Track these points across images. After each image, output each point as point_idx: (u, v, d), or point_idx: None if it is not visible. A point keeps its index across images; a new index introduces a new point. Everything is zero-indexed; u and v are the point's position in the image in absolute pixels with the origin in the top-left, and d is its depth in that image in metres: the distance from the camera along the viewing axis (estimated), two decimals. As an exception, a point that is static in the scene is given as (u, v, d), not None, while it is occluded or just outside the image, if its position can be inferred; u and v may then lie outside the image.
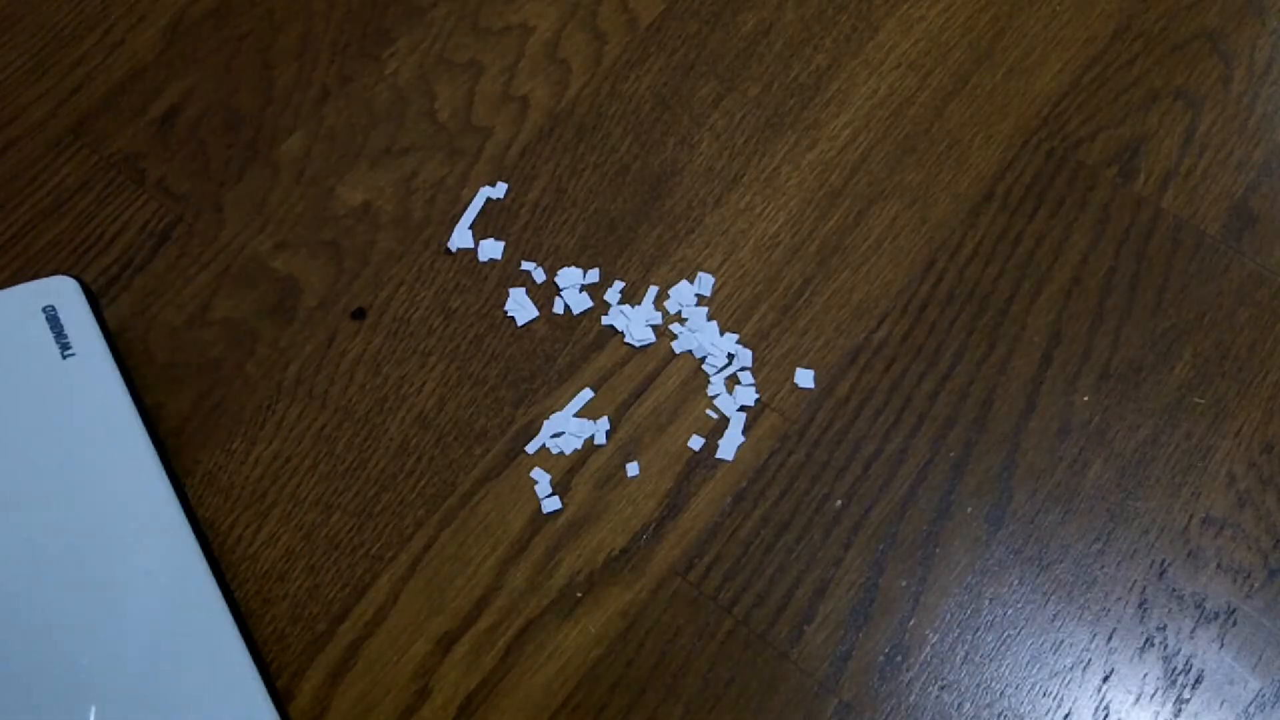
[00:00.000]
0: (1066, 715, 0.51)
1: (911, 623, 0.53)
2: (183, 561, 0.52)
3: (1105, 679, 0.52)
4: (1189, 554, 0.54)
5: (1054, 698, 0.52)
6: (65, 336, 0.55)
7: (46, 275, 0.58)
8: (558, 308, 0.60)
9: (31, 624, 0.50)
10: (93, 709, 0.48)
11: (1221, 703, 0.52)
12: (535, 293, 0.60)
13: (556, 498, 0.55)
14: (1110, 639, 0.53)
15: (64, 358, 0.55)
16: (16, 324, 0.56)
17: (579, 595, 0.53)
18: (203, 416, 0.57)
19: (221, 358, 0.59)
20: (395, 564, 0.54)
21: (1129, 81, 0.66)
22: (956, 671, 0.52)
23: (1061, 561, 0.54)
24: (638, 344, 0.59)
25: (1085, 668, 0.52)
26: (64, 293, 0.57)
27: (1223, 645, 0.53)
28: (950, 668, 0.52)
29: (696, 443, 0.56)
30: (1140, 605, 0.53)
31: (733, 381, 0.58)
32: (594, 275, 0.60)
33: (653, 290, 0.60)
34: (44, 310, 0.56)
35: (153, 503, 0.53)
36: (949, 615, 0.53)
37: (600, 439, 0.57)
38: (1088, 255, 0.61)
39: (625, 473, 0.56)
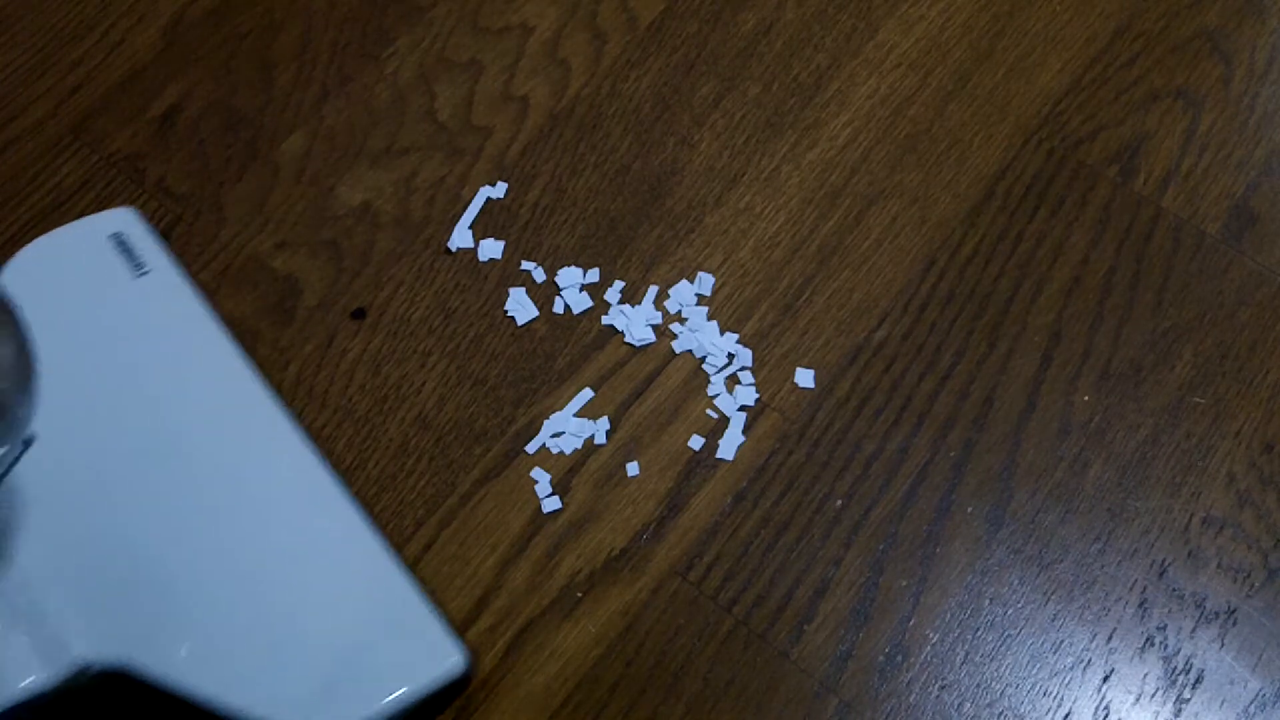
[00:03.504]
0: (1067, 715, 0.51)
1: (911, 623, 0.53)
2: (290, 452, 0.53)
3: (1105, 679, 0.52)
4: (1189, 554, 0.54)
5: (1054, 697, 0.52)
6: (136, 258, 0.57)
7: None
8: (558, 307, 0.60)
9: (146, 529, 0.50)
10: (211, 613, 0.49)
11: (1222, 702, 0.52)
12: (535, 292, 0.60)
13: (556, 498, 0.55)
14: (1110, 639, 0.53)
15: (137, 277, 0.57)
16: (87, 253, 0.57)
17: (579, 595, 0.53)
18: (203, 416, 0.57)
19: (221, 357, 0.59)
20: (395, 564, 0.54)
21: (1129, 81, 0.65)
22: (956, 671, 0.52)
23: (1061, 561, 0.54)
24: (638, 344, 0.59)
25: (1085, 667, 0.52)
26: (127, 221, 0.59)
27: (1223, 645, 0.53)
28: (950, 668, 0.52)
29: (696, 442, 0.56)
30: (1140, 605, 0.53)
31: (733, 381, 0.58)
32: (594, 275, 0.60)
33: (653, 290, 0.60)
34: (111, 237, 0.58)
35: (244, 392, 0.54)
36: (949, 615, 0.53)
37: (600, 439, 0.57)
38: (1088, 255, 0.61)
39: (625, 472, 0.56)
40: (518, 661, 0.52)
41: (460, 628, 0.53)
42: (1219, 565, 0.54)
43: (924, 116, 0.65)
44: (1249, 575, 0.54)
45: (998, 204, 0.62)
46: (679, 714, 0.51)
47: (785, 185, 0.63)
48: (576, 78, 0.66)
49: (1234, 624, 0.53)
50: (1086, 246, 0.61)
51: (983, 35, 0.67)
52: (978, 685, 0.52)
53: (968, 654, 0.52)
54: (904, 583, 0.54)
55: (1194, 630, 0.53)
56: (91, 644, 0.46)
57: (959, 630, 0.53)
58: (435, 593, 0.53)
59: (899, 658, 0.52)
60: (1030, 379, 0.58)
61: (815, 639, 0.53)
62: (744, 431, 0.57)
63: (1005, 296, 0.60)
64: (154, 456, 0.52)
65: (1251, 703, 0.52)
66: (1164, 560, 0.54)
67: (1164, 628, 0.53)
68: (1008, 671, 0.52)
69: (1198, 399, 0.58)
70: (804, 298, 0.60)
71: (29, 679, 0.45)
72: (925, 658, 0.52)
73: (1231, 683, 0.52)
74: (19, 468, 0.45)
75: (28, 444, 0.45)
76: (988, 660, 0.52)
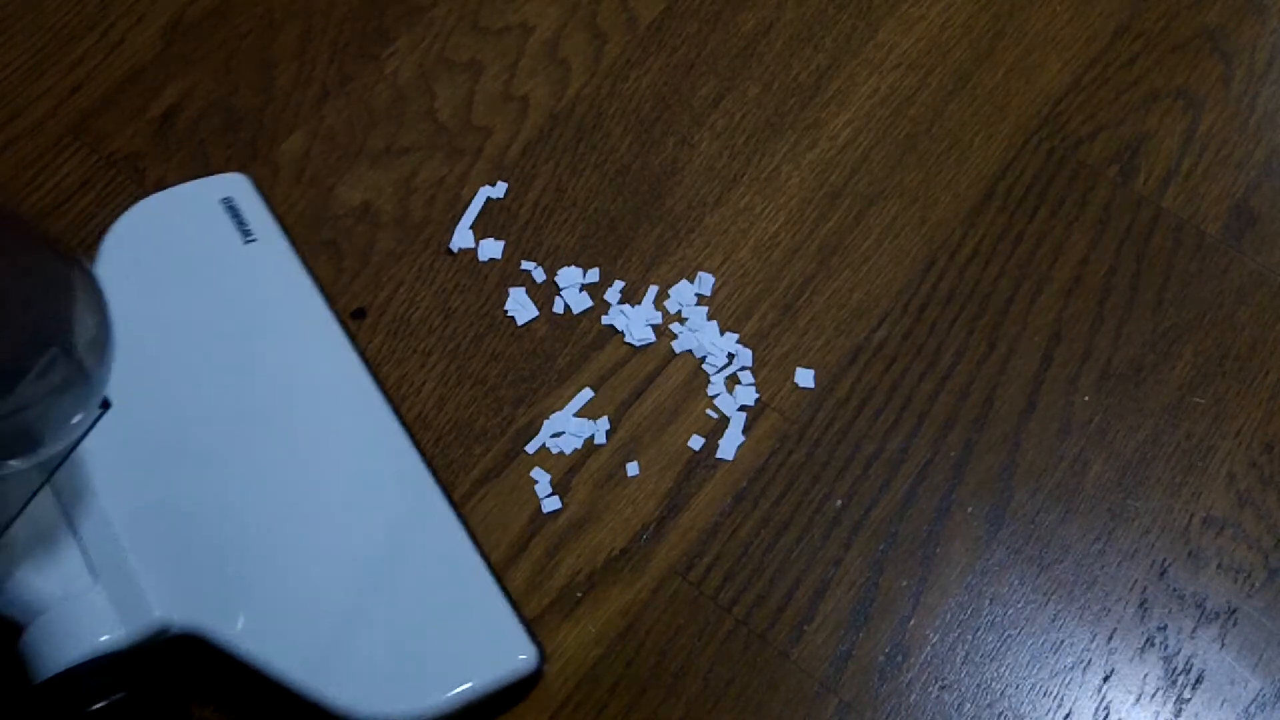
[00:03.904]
0: (1067, 715, 0.51)
1: (911, 623, 0.53)
2: (382, 433, 0.53)
3: (1106, 679, 0.52)
4: (1189, 554, 0.54)
5: (1054, 698, 0.52)
6: (245, 224, 0.57)
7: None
8: (558, 307, 0.60)
9: (233, 497, 0.51)
10: (299, 572, 0.50)
11: (1222, 702, 0.52)
12: (535, 292, 0.60)
13: (556, 497, 0.55)
14: (1110, 639, 0.53)
15: (245, 243, 0.57)
16: (199, 214, 0.58)
17: (579, 595, 0.53)
18: (203, 416, 0.57)
19: (221, 357, 0.59)
20: (395, 564, 0.54)
21: (1129, 81, 0.65)
22: (956, 671, 0.52)
23: (1062, 561, 0.54)
24: (638, 344, 0.59)
25: (1085, 668, 0.52)
26: (238, 186, 0.59)
27: (1223, 645, 0.53)
28: (950, 668, 0.52)
29: (697, 442, 0.56)
30: (1141, 605, 0.53)
31: (733, 381, 0.58)
32: (594, 275, 0.60)
33: (653, 290, 0.60)
34: (222, 202, 0.58)
35: (344, 369, 0.55)
36: (949, 615, 0.53)
37: (600, 439, 0.57)
38: (1088, 255, 0.61)
39: (625, 472, 0.56)
40: (518, 661, 0.52)
41: (460, 628, 0.53)
42: (1219, 565, 0.54)
43: (924, 116, 0.65)
44: (1249, 575, 0.54)
45: (998, 204, 0.62)
46: (679, 714, 0.51)
47: (785, 185, 0.63)
48: (576, 78, 0.66)
49: (1234, 624, 0.53)
50: (1086, 246, 0.61)
51: (983, 35, 0.67)
52: (978, 685, 0.52)
53: (968, 654, 0.52)
54: (904, 583, 0.54)
55: (1194, 630, 0.53)
56: (171, 606, 0.47)
57: (959, 630, 0.53)
58: (435, 593, 0.53)
59: (899, 658, 0.52)
60: (1030, 379, 0.58)
61: (815, 639, 0.53)
62: (744, 431, 0.57)
63: (1005, 296, 0.60)
64: (247, 422, 0.53)
65: (1252, 703, 0.52)
66: (1164, 560, 0.54)
67: (1164, 628, 0.53)
68: (1008, 671, 0.52)
69: (1198, 399, 0.58)
70: (804, 298, 0.60)
71: (108, 635, 0.46)
72: (925, 658, 0.52)
73: (1232, 683, 0.52)
74: (110, 426, 0.46)
75: (105, 408, 0.45)
76: (988, 660, 0.52)
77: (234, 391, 0.53)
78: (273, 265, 0.57)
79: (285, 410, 0.53)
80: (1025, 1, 0.68)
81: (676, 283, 0.60)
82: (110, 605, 0.47)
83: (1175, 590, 0.54)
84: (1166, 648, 0.53)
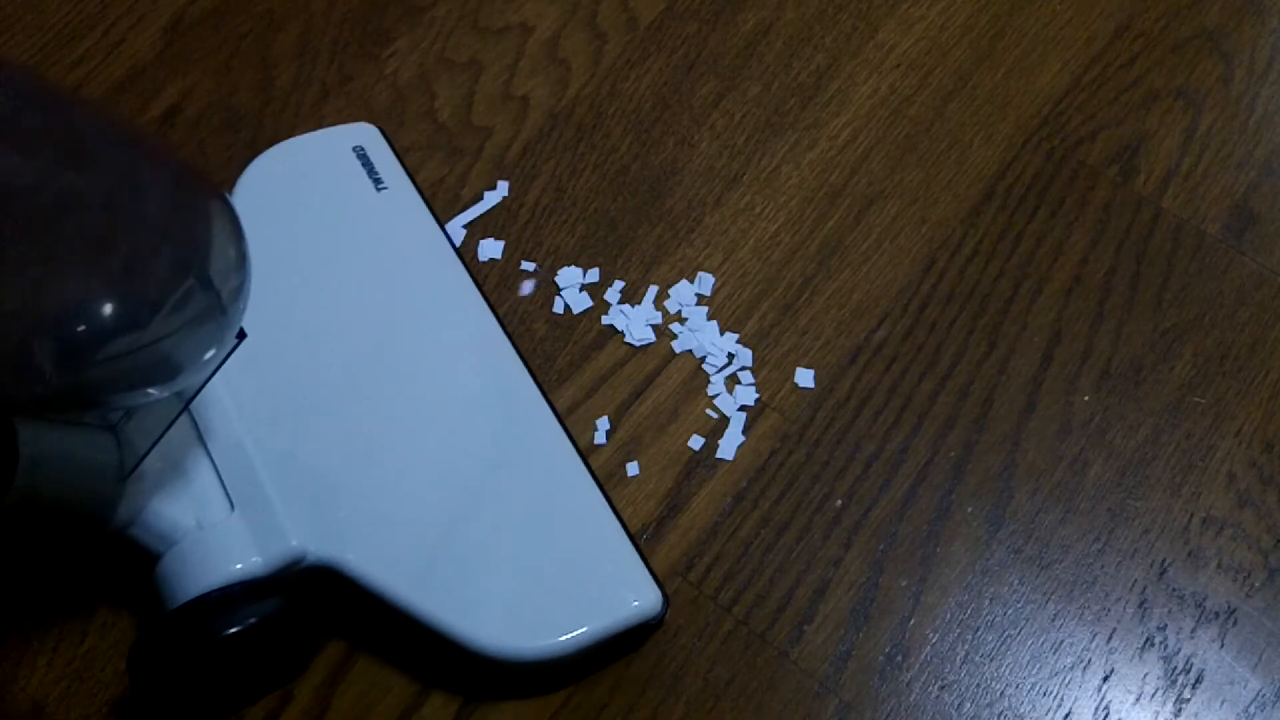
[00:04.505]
0: (1067, 715, 0.51)
1: (911, 623, 0.53)
2: (510, 377, 0.54)
3: (1105, 679, 0.52)
4: (1189, 554, 0.54)
5: (1054, 697, 0.52)
6: (376, 173, 0.59)
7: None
8: (558, 307, 0.60)
9: (365, 434, 0.52)
10: (438, 514, 0.50)
11: (1222, 702, 0.52)
12: (535, 292, 0.60)
13: (556, 497, 0.55)
14: (1110, 639, 0.53)
15: (378, 191, 0.58)
16: (332, 160, 0.59)
17: (579, 595, 0.53)
18: (203, 416, 0.57)
19: (221, 357, 0.59)
20: (395, 564, 0.54)
21: (1129, 81, 0.66)
22: (956, 671, 0.52)
23: (1062, 561, 0.54)
24: (638, 344, 0.59)
25: (1085, 667, 0.52)
26: (369, 136, 0.61)
27: (1223, 645, 0.53)
28: (950, 667, 0.52)
29: (696, 442, 0.56)
30: (1140, 605, 0.53)
31: (733, 381, 0.58)
32: (594, 275, 0.60)
33: (653, 290, 0.60)
34: (354, 150, 0.59)
35: (475, 316, 0.56)
36: (949, 615, 0.53)
37: (600, 439, 0.57)
38: (1088, 255, 0.61)
39: (625, 472, 0.56)
40: (518, 661, 0.52)
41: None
42: (1219, 565, 0.54)
43: (924, 116, 0.65)
44: (1249, 575, 0.54)
45: (998, 204, 0.62)
46: (679, 714, 0.51)
47: (785, 185, 0.63)
48: (576, 78, 0.66)
49: (1234, 624, 0.53)
50: (1086, 246, 0.61)
51: (983, 35, 0.67)
52: (978, 685, 0.52)
53: (968, 654, 0.52)
54: (904, 583, 0.54)
55: (1194, 630, 0.53)
56: (307, 537, 0.48)
57: (959, 630, 0.53)
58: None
59: (899, 658, 0.52)
60: (1030, 379, 0.58)
61: (815, 639, 0.53)
62: (744, 431, 0.57)
63: (1005, 296, 0.60)
64: (380, 363, 0.54)
65: (1252, 703, 0.52)
66: (1164, 560, 0.54)
67: (1164, 628, 0.53)
68: (1008, 671, 0.52)
69: (1198, 399, 0.58)
70: (804, 298, 0.60)
71: (245, 563, 0.47)
72: (925, 658, 0.52)
73: (1231, 683, 0.52)
74: (246, 360, 0.47)
75: (240, 339, 0.46)
76: (988, 660, 0.52)
77: (369, 330, 0.55)
78: (404, 213, 0.58)
79: (418, 350, 0.54)
80: (1025, 1, 0.68)
81: (676, 283, 0.60)
82: (248, 534, 0.48)
83: (1175, 590, 0.54)
84: (1166, 648, 0.53)
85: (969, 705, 0.51)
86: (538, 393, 0.54)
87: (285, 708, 0.51)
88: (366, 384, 0.53)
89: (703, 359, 0.58)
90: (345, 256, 0.57)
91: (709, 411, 0.57)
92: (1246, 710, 0.51)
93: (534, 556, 0.50)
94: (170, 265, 0.42)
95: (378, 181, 0.59)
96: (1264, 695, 0.52)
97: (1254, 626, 0.53)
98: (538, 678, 0.51)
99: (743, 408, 0.57)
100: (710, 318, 0.59)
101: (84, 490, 0.45)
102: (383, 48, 0.67)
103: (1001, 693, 0.52)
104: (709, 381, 0.58)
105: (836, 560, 0.54)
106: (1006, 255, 0.61)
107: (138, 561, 0.49)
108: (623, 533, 0.51)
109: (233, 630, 0.46)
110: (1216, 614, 0.53)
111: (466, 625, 0.48)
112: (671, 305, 0.59)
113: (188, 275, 0.42)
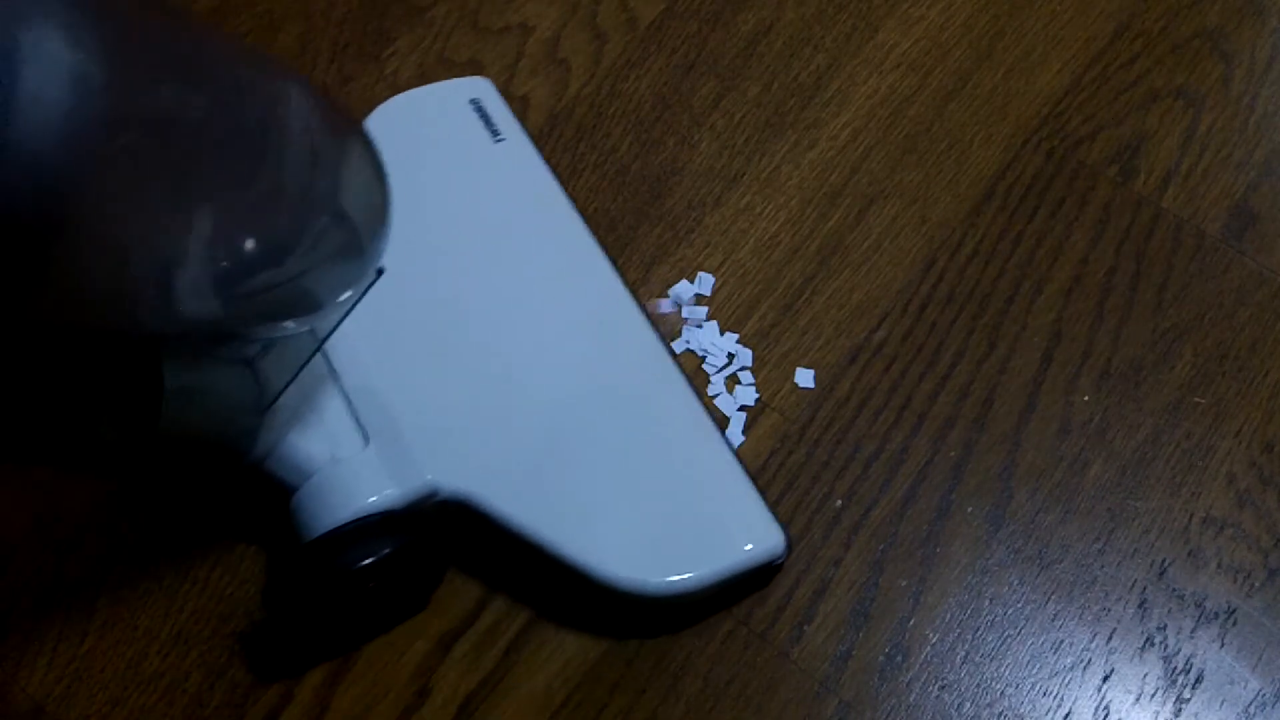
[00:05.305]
0: (1067, 715, 0.51)
1: (911, 623, 0.53)
2: (630, 325, 0.55)
3: (1105, 679, 0.52)
4: (1189, 554, 0.54)
5: (1054, 697, 0.52)
6: (493, 124, 0.60)
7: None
8: (558, 307, 0.60)
9: (494, 372, 0.53)
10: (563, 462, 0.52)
11: (1222, 702, 0.52)
12: (535, 292, 0.60)
13: (557, 497, 0.55)
14: (1110, 639, 0.53)
15: (495, 142, 0.60)
16: (450, 112, 0.61)
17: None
18: (203, 416, 0.57)
19: (221, 357, 0.59)
20: (395, 564, 0.54)
21: (1129, 81, 0.66)
22: (956, 671, 0.52)
23: (1061, 561, 0.54)
24: (638, 344, 0.59)
25: (1085, 667, 0.52)
26: (485, 90, 0.62)
27: (1223, 645, 0.53)
28: (950, 667, 0.52)
29: (696, 442, 0.56)
30: (1140, 605, 0.53)
31: (733, 381, 0.58)
32: (594, 275, 0.60)
33: (653, 290, 0.60)
34: (471, 102, 0.61)
35: (593, 263, 0.57)
36: (949, 615, 0.53)
37: (600, 439, 0.57)
38: (1088, 255, 0.61)
39: (625, 472, 0.56)
40: (518, 661, 0.52)
41: (461, 626, 0.53)
42: (1219, 565, 0.54)
43: (924, 116, 0.65)
44: (1249, 575, 0.54)
45: (998, 204, 0.62)
46: (679, 714, 0.51)
47: (785, 185, 0.63)
48: (576, 78, 0.66)
49: (1234, 624, 0.53)
50: (1086, 246, 0.61)
51: (983, 35, 0.67)
52: (978, 685, 0.52)
53: (968, 654, 0.52)
54: (904, 583, 0.54)
55: (1194, 630, 0.53)
56: (440, 471, 0.49)
57: (959, 630, 0.53)
58: (434, 595, 0.53)
59: (899, 658, 0.52)
60: (1030, 379, 0.58)
61: (815, 639, 0.53)
62: (744, 431, 0.57)
63: (1005, 296, 0.60)
64: (501, 304, 0.55)
65: (1251, 703, 0.52)
66: (1164, 560, 0.54)
67: (1164, 628, 0.53)
68: (1008, 671, 0.52)
69: (1198, 399, 0.58)
70: (804, 298, 0.60)
71: (379, 496, 0.48)
72: (925, 658, 0.52)
73: (1231, 683, 0.52)
74: (379, 299, 0.47)
75: (378, 274, 0.47)
76: (988, 660, 0.52)
77: (489, 273, 0.56)
78: (521, 163, 0.60)
79: (538, 293, 0.56)
80: (1025, 1, 0.68)
81: (676, 283, 0.60)
82: (382, 468, 0.49)
83: (1175, 590, 0.54)
84: (1166, 648, 0.53)
85: (969, 705, 0.52)
86: (655, 338, 0.55)
87: (285, 707, 0.51)
88: (489, 325, 0.55)
89: (703, 359, 0.58)
90: (465, 204, 0.58)
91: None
92: (1246, 710, 0.51)
93: (662, 495, 0.51)
94: (317, 199, 0.42)
95: (495, 133, 0.60)
96: (1264, 695, 0.52)
97: (1254, 626, 0.53)
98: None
99: (743, 408, 0.57)
100: (710, 318, 0.59)
101: (224, 422, 0.47)
102: (383, 48, 0.67)
103: (1001, 693, 0.52)
104: (709, 381, 0.58)
105: (836, 560, 0.54)
106: (1006, 255, 0.61)
107: (272, 496, 0.50)
108: (744, 472, 0.52)
109: (368, 561, 0.46)
110: (1216, 614, 0.53)
111: (599, 559, 0.49)
112: (672, 305, 0.59)
113: (333, 209, 0.43)
